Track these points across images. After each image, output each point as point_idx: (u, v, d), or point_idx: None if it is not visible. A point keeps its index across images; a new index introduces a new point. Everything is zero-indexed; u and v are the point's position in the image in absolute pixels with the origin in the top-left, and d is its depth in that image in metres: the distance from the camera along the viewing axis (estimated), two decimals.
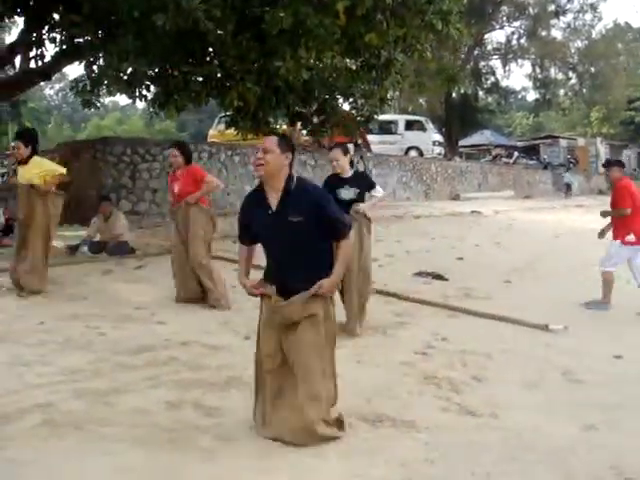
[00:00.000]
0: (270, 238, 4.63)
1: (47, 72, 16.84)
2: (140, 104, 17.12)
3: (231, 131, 17.25)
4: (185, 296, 8.67)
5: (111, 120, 77.15)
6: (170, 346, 6.64)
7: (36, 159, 8.98)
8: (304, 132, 19.37)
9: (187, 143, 10.44)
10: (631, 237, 8.88)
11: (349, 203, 7.31)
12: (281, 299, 4.55)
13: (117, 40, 12.52)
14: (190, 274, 8.60)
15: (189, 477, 4.00)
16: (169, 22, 11.23)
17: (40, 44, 15.69)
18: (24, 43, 16.29)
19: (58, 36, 15.12)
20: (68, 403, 5.06)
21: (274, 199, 4.51)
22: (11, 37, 39.15)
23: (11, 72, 20.87)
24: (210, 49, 13.84)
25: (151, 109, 15.50)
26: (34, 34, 15.59)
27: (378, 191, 7.69)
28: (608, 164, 9.85)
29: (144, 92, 15.00)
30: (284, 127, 20.46)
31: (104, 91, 14.43)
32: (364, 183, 7.60)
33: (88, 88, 14.68)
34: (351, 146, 25.30)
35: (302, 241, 4.51)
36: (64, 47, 15.12)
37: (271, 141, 4.54)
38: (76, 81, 15.19)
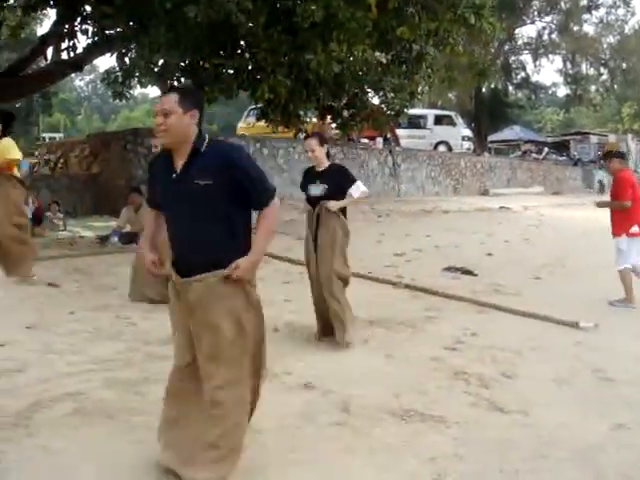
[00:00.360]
0: (172, 207, 3.84)
1: (79, 64, 16.96)
2: None
3: (261, 124, 17.30)
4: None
5: (140, 112, 77.49)
6: None
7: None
8: (333, 126, 19.33)
9: None
10: (635, 229, 8.70)
11: (317, 201, 6.62)
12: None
13: (149, 32, 12.56)
14: None
15: None
16: (201, 14, 11.26)
17: (72, 36, 15.79)
18: (56, 35, 16.40)
19: (90, 28, 15.21)
20: (99, 392, 5.10)
21: (181, 162, 3.77)
22: (43, 29, 39.44)
23: (43, 64, 21.00)
24: (241, 42, 13.86)
25: None
26: (66, 26, 15.70)
27: (356, 189, 6.67)
28: (608, 155, 9.69)
29: (175, 84, 15.07)
30: (314, 120, 20.46)
31: (135, 83, 14.50)
32: (338, 179, 6.63)
33: (120, 80, 14.76)
34: (380, 140, 25.45)
35: (212, 210, 3.72)
36: (96, 39, 15.21)
37: (170, 100, 3.72)
38: (108, 72, 15.26)
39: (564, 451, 4.36)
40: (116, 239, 12.42)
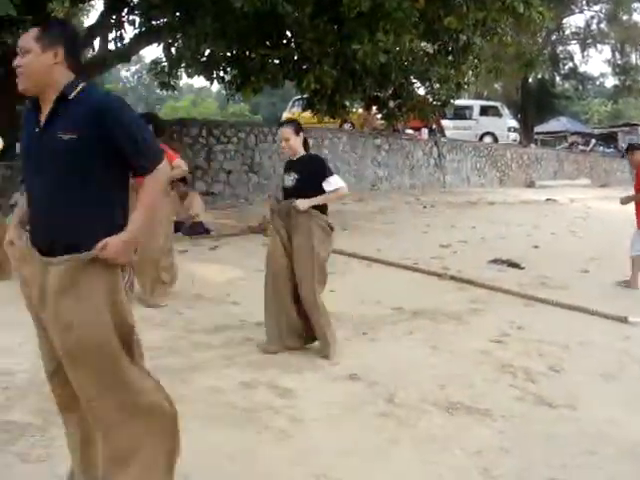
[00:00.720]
0: (32, 168, 3.06)
1: (126, 54, 17.13)
2: (214, 87, 17.31)
3: (306, 114, 17.31)
4: None
5: (185, 102, 77.93)
6: (245, 327, 6.71)
7: None
8: (379, 116, 19.28)
9: (158, 115, 9.82)
10: None
11: (289, 194, 5.99)
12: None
13: (195, 22, 12.64)
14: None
15: (264, 457, 4.02)
16: (247, 4, 11.29)
17: (119, 26, 15.95)
18: (103, 26, 16.57)
19: (137, 18, 15.35)
20: None
21: (46, 112, 3.01)
22: (89, 20, 39.79)
23: (90, 55, 21.24)
24: (287, 32, 13.88)
25: (227, 91, 15.63)
26: (113, 16, 15.85)
27: (330, 183, 5.89)
28: (630, 148, 9.54)
29: (221, 74, 15.15)
30: (359, 110, 20.46)
31: (181, 73, 14.62)
32: (310, 168, 5.97)
33: (166, 70, 14.88)
34: (425, 131, 25.32)
35: (78, 173, 2.94)
36: (143, 29, 15.34)
37: (27, 37, 3.01)
38: (154, 63, 15.40)
39: (612, 447, 4.31)
40: None
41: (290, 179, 5.97)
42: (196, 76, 15.27)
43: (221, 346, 6.07)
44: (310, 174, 5.92)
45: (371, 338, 6.57)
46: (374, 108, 17.83)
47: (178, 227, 12.24)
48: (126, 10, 15.78)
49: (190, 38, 12.96)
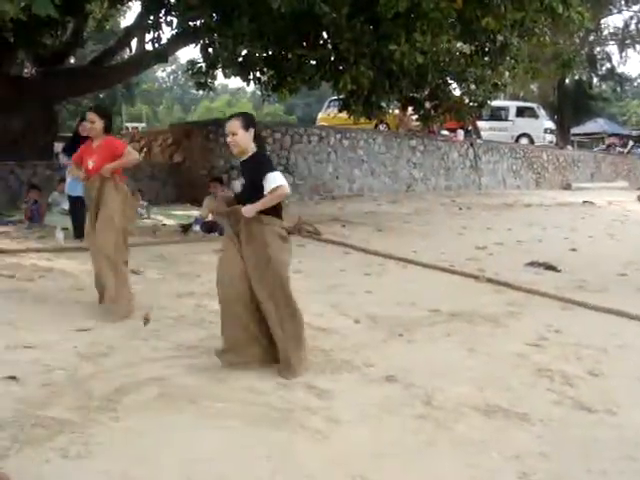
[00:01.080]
0: None
1: (163, 54, 17.30)
2: (249, 87, 17.40)
3: (342, 115, 17.32)
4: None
5: (221, 102, 78.31)
6: None
7: None
8: (414, 117, 19.23)
9: (108, 108, 9.63)
10: None
11: (240, 200, 5.37)
12: None
13: (232, 23, 12.70)
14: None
15: (301, 457, 4.02)
16: (284, 5, 11.32)
17: (157, 27, 16.09)
18: (141, 26, 16.74)
19: (174, 19, 15.46)
20: (182, 378, 5.17)
21: None
22: (126, 21, 40.18)
23: (126, 55, 21.42)
24: (324, 32, 13.90)
25: (263, 92, 15.69)
26: (151, 17, 16.00)
27: (269, 181, 5.14)
28: None
29: (258, 75, 15.21)
30: (396, 111, 20.42)
31: (217, 73, 14.70)
32: (257, 170, 5.24)
33: (203, 70, 14.97)
34: (461, 132, 25.20)
35: None
36: (180, 30, 15.46)
37: None
38: (191, 63, 15.51)
39: None
40: (198, 228, 12.60)
41: (238, 185, 5.15)
42: (232, 77, 15.36)
43: None
44: (251, 178, 5.29)
45: (407, 340, 6.54)
46: (410, 109, 17.77)
47: (214, 226, 12.33)
48: (163, 11, 15.92)
49: (227, 39, 13.04)
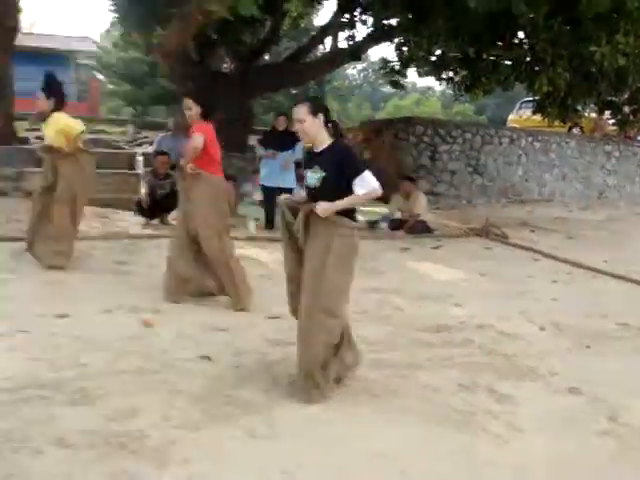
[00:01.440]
0: None
1: (357, 53, 17.55)
2: (438, 86, 17.43)
3: (536, 117, 16.95)
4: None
5: (409, 101, 78.32)
6: (466, 328, 6.68)
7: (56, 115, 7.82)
8: (611, 122, 18.51)
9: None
10: None
11: (313, 195, 4.77)
12: None
13: (428, 23, 12.72)
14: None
15: (478, 460, 4.03)
16: (482, 4, 11.20)
17: (352, 26, 16.38)
18: (336, 25, 17.08)
19: (369, 18, 15.67)
20: (365, 371, 5.26)
21: None
22: (319, 19, 41.06)
23: (319, 52, 21.86)
24: (520, 32, 13.64)
25: (456, 91, 15.62)
26: (346, 16, 16.30)
27: (361, 184, 4.60)
28: None
29: (451, 74, 15.17)
30: (592, 115, 19.74)
31: (409, 72, 14.79)
32: (340, 163, 4.63)
33: (397, 69, 15.10)
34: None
35: None
36: (374, 29, 15.65)
37: None
38: (385, 62, 15.67)
39: None
40: (385, 225, 12.73)
41: (315, 177, 4.71)
42: (425, 76, 15.40)
43: (441, 345, 6.10)
44: (339, 170, 4.63)
45: (594, 352, 6.34)
46: (607, 113, 17.11)
47: (401, 224, 12.43)
48: (359, 10, 16.18)
49: (422, 38, 13.08)
